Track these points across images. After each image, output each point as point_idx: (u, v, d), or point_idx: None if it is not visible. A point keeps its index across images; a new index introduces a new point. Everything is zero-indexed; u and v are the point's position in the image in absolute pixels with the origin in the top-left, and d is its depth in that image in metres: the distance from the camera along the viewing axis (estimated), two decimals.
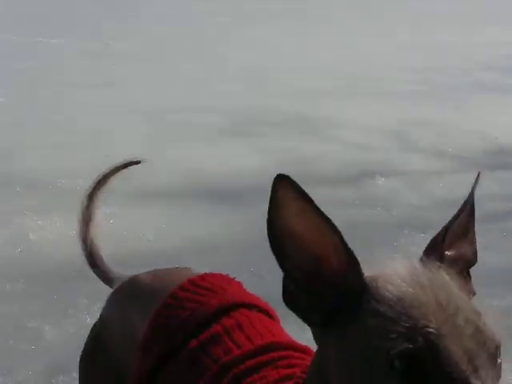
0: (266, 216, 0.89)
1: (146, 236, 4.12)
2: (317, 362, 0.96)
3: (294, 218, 0.87)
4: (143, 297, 1.43)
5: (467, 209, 1.05)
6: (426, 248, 0.99)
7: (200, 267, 3.64)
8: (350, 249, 0.89)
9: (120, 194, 4.74)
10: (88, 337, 1.54)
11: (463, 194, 4.75)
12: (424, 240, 4.08)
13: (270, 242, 0.88)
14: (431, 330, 0.79)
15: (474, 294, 0.95)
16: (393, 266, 0.91)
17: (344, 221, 5.01)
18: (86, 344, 1.53)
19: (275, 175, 0.87)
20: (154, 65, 9.30)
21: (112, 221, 4.30)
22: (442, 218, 4.38)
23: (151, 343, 1.30)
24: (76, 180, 4.99)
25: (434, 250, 0.96)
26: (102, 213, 4.34)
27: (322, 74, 9.35)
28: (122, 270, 3.53)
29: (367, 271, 0.90)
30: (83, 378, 1.53)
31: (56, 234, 4.09)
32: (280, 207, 0.86)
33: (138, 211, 4.52)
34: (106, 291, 3.25)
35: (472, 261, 1.02)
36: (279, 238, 0.88)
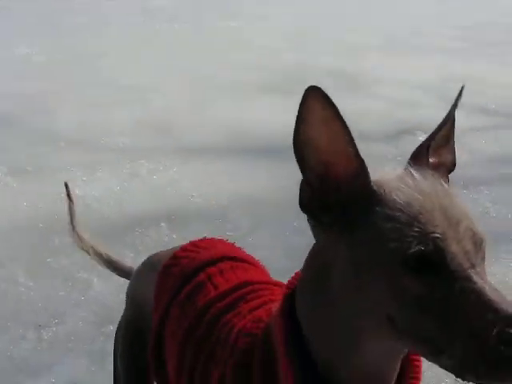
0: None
1: (190, 192, 4.18)
2: (316, 269, 1.02)
3: (318, 126, 0.93)
4: (150, 269, 1.53)
5: (449, 120, 1.11)
6: (412, 157, 1.06)
7: (244, 222, 3.73)
8: (362, 159, 0.96)
9: (163, 151, 4.82)
10: (121, 318, 1.62)
11: (504, 150, 4.75)
12: (466, 195, 4.09)
13: (294, 147, 0.96)
14: (438, 235, 0.89)
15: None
16: (394, 174, 1.00)
17: None
18: (119, 328, 1.61)
19: (308, 88, 0.93)
20: (192, 24, 9.29)
21: (155, 176, 4.38)
22: (484, 173, 4.39)
23: (157, 300, 1.42)
24: (118, 137, 5.08)
25: (420, 159, 1.04)
26: (146, 168, 4.48)
27: (362, 32, 9.26)
28: (168, 226, 3.63)
29: (374, 178, 0.98)
30: (126, 366, 1.57)
31: (101, 189, 4.17)
32: (309, 115, 0.93)
33: (180, 168, 4.57)
34: (152, 245, 3.35)
35: (451, 167, 1.10)
36: (302, 144, 0.95)
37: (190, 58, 7.50)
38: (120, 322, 1.63)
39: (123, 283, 3.04)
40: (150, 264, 1.59)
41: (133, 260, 3.35)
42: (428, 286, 0.88)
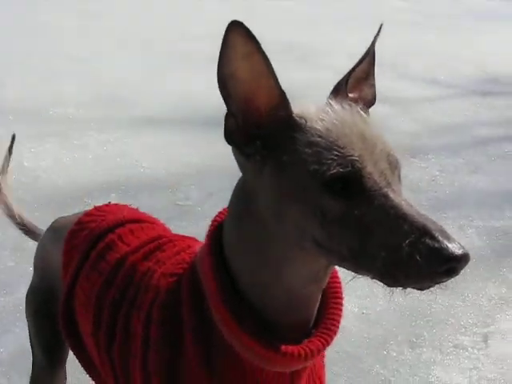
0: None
1: (140, 162, 4.17)
2: (243, 199, 1.06)
3: (240, 61, 0.96)
4: (57, 236, 1.53)
5: (369, 56, 1.14)
6: (332, 91, 1.10)
7: (195, 192, 3.73)
8: (283, 91, 1.00)
9: (113, 122, 4.78)
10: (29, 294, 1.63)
11: (455, 120, 4.82)
12: (414, 164, 4.16)
13: (218, 81, 0.98)
14: (355, 157, 0.94)
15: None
16: (315, 106, 1.03)
17: None
18: (29, 303, 1.62)
19: (230, 23, 0.95)
20: None
21: (105, 148, 4.35)
22: (432, 142, 4.46)
23: (66, 266, 1.43)
24: (67, 108, 5.02)
25: (339, 93, 1.08)
26: (95, 140, 4.44)
27: (311, 1, 9.27)
28: (118, 197, 3.62)
29: (296, 109, 1.02)
30: (35, 331, 1.61)
31: (50, 161, 4.13)
32: (230, 50, 0.96)
33: (130, 139, 4.55)
34: None
35: (371, 101, 1.14)
36: (226, 78, 0.98)
37: (138, 29, 7.42)
38: (28, 288, 1.63)
39: None
40: (53, 231, 1.58)
41: None
42: (348, 206, 0.93)
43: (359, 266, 0.95)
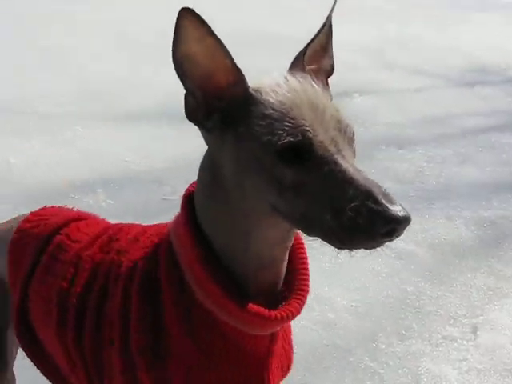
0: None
1: (125, 157, 4.14)
2: (210, 171, 1.12)
3: (194, 44, 1.03)
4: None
5: (325, 28, 1.21)
6: (291, 65, 1.16)
7: (181, 186, 3.69)
8: (238, 68, 1.06)
9: (97, 117, 4.75)
10: None
11: (443, 111, 4.79)
12: (401, 155, 4.15)
13: (174, 64, 1.05)
14: (306, 127, 1.00)
15: (331, 98, 1.13)
16: (269, 79, 1.09)
17: None
18: None
19: (181, 9, 1.03)
20: None
21: (91, 143, 4.32)
22: (419, 133, 4.43)
23: (13, 275, 1.40)
24: (52, 103, 4.98)
25: (298, 65, 1.14)
26: (80, 134, 4.41)
27: None
28: (104, 191, 3.59)
29: (252, 84, 1.08)
30: None
31: (35, 156, 4.10)
32: (183, 34, 1.03)
33: (115, 133, 4.52)
34: (89, 210, 3.31)
35: (330, 71, 1.21)
36: (181, 60, 1.05)
37: (122, 21, 7.37)
38: None
39: None
40: None
41: None
42: (300, 173, 0.99)
43: (309, 228, 1.01)
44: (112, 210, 3.45)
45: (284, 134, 0.99)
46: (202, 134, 1.12)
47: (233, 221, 1.10)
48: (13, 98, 5.09)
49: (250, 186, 1.04)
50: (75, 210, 1.56)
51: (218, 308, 1.11)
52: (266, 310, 1.11)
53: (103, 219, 1.53)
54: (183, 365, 1.15)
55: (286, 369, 1.30)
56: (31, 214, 1.50)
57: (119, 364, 1.18)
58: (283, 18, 7.88)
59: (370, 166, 4.16)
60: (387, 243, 0.98)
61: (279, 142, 0.98)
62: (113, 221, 1.52)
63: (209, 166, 1.13)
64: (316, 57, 1.18)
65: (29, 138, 4.35)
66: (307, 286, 1.19)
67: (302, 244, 1.23)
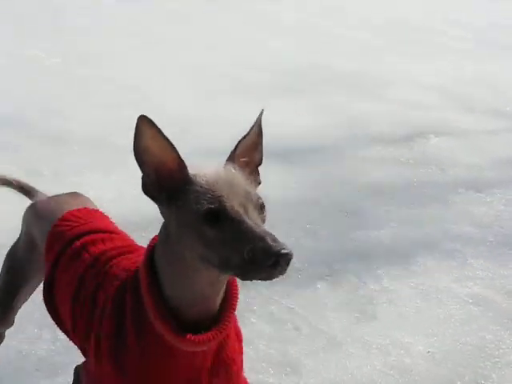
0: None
1: None
2: (163, 231, 1.49)
3: (148, 141, 1.42)
4: (41, 217, 2.00)
5: (256, 128, 1.58)
6: (228, 157, 1.53)
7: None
8: (181, 159, 1.44)
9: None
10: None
11: None
12: (479, 198, 4.08)
13: (135, 155, 1.42)
14: (223, 198, 1.36)
15: (259, 183, 1.52)
16: (206, 168, 1.46)
17: (398, 179, 4.98)
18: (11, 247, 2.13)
19: (139, 116, 1.40)
20: (202, 24, 9.30)
21: None
22: (498, 176, 4.36)
23: (48, 252, 1.88)
24: (128, 138, 5.08)
25: (231, 158, 1.52)
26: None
27: (375, 30, 9.26)
28: None
29: (192, 171, 1.44)
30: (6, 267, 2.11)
31: (116, 191, 4.16)
32: (140, 134, 1.41)
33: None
34: None
35: (259, 163, 1.56)
36: (139, 152, 1.42)
37: (199, 58, 7.50)
38: (14, 242, 2.12)
39: None
40: (35, 211, 2.05)
41: None
42: (219, 230, 1.34)
43: (225, 268, 1.36)
44: None
45: (205, 203, 1.36)
46: (157, 206, 1.47)
47: (175, 266, 1.46)
48: (92, 133, 5.20)
49: (185, 240, 1.40)
50: (104, 218, 2.03)
51: (161, 330, 1.49)
52: (192, 336, 1.48)
53: (127, 236, 1.96)
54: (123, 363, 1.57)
55: (231, 367, 1.65)
56: (67, 213, 1.93)
57: (93, 340, 1.62)
58: (362, 56, 7.89)
59: (447, 209, 4.12)
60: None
61: (202, 208, 1.36)
62: None
63: (164, 227, 1.49)
64: (248, 151, 1.55)
65: (109, 173, 4.43)
66: (230, 319, 1.54)
67: (236, 286, 1.57)
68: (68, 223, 1.90)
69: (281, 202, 4.12)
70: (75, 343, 1.83)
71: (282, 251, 1.27)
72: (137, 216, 3.82)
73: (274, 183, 4.40)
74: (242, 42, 8.38)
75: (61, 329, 1.92)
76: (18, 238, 2.11)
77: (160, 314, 1.49)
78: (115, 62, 7.23)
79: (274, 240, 1.28)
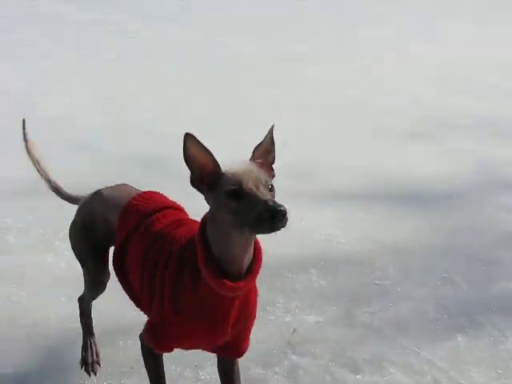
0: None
1: (337, 238, 4.21)
2: (209, 213, 2.04)
3: (193, 150, 1.97)
4: (109, 201, 2.53)
5: (268, 137, 2.08)
6: (249, 159, 2.05)
7: (391, 271, 3.71)
8: (216, 161, 1.99)
9: (305, 195, 4.84)
10: (73, 223, 2.70)
11: None
12: None
13: (185, 161, 1.98)
14: (242, 181, 1.89)
15: (274, 176, 2.03)
16: (234, 165, 1.99)
17: None
18: (72, 228, 2.69)
19: (184, 133, 1.96)
20: (329, 63, 9.34)
21: (302, 222, 4.38)
22: None
23: (121, 226, 2.42)
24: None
25: (251, 159, 2.04)
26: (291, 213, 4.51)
27: (508, 70, 9.04)
28: (317, 272, 3.66)
29: (224, 168, 1.99)
30: (81, 249, 2.67)
31: None
32: (187, 146, 1.96)
33: (324, 212, 4.62)
34: (302, 290, 3.38)
35: (272, 162, 2.08)
36: (188, 159, 1.97)
37: (332, 99, 7.53)
38: (71, 224, 2.68)
39: None
40: (99, 197, 2.59)
41: (283, 304, 3.42)
42: (240, 203, 1.87)
43: (246, 227, 1.86)
44: (325, 291, 3.54)
45: (230, 186, 1.90)
46: (203, 195, 2.02)
47: (218, 233, 1.99)
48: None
49: (221, 214, 1.94)
50: (167, 198, 2.54)
51: (208, 279, 2.01)
52: (230, 283, 1.99)
53: (184, 211, 2.51)
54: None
55: (249, 314, 2.21)
56: (137, 195, 2.48)
57: (159, 291, 2.16)
58: (491, 101, 7.70)
59: None
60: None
61: (228, 189, 1.89)
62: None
63: (209, 210, 2.04)
64: (263, 154, 2.06)
65: None
66: (255, 275, 2.06)
67: (260, 252, 2.08)
68: (140, 201, 2.45)
69: (416, 248, 4.10)
70: (141, 307, 2.39)
71: (278, 208, 1.77)
72: (271, 259, 3.87)
73: (409, 228, 4.38)
74: (364, 80, 8.37)
75: (128, 293, 2.46)
76: (74, 220, 2.67)
77: (207, 265, 2.01)
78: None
79: (274, 202, 1.80)
